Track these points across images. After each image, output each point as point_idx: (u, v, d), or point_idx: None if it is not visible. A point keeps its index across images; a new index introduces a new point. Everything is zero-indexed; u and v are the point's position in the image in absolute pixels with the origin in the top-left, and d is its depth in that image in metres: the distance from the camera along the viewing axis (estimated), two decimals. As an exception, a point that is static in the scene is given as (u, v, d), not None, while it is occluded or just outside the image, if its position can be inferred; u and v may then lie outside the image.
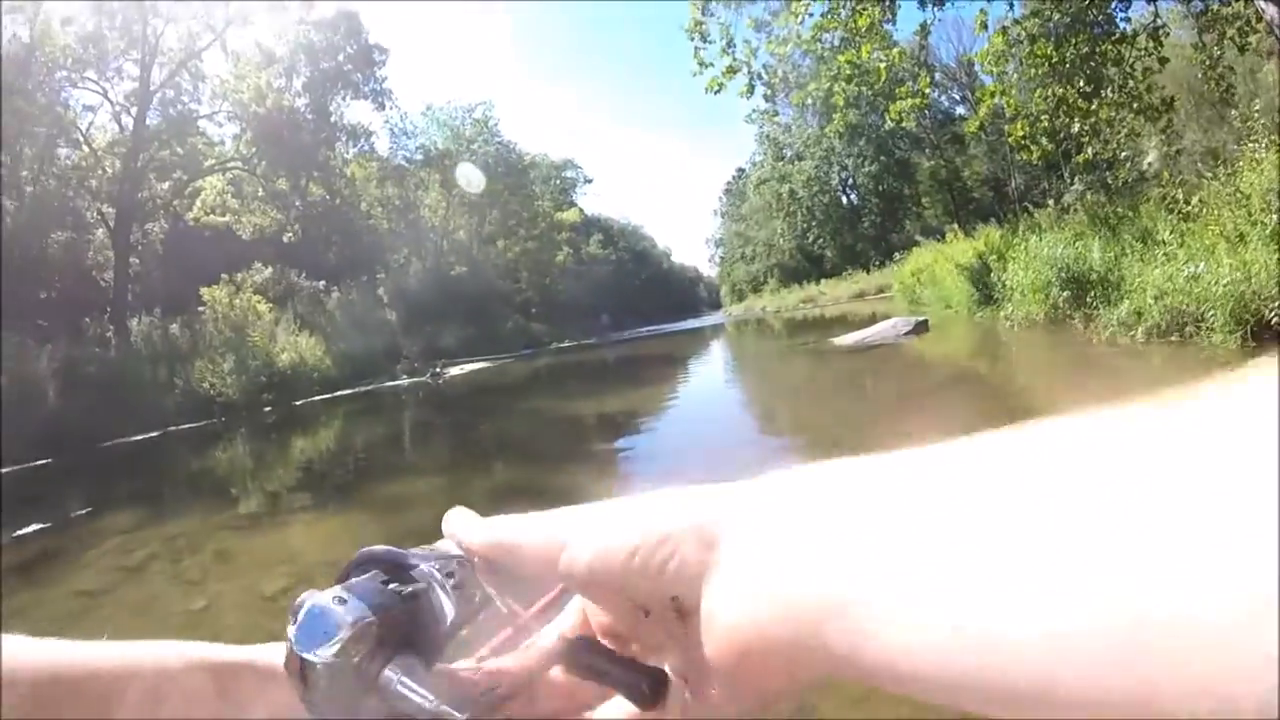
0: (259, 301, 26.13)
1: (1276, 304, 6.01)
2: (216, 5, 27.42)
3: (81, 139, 25.66)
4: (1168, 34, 13.71)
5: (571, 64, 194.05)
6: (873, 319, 17.18)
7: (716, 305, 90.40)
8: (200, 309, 23.96)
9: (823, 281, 49.88)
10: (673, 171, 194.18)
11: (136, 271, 26.86)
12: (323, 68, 33.46)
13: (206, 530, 6.31)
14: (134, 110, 26.48)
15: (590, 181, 70.46)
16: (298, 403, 19.59)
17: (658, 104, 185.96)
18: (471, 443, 10.08)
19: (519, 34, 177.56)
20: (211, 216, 30.93)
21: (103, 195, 25.72)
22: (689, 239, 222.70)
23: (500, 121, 53.82)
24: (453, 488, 7.06)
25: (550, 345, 39.60)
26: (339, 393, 21.21)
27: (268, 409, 18.77)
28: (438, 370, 23.84)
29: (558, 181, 63.64)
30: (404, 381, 23.09)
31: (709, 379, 14.82)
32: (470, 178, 41.02)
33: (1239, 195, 7.22)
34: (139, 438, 15.65)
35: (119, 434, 15.61)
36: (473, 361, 27.43)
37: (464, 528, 0.43)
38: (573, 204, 66.97)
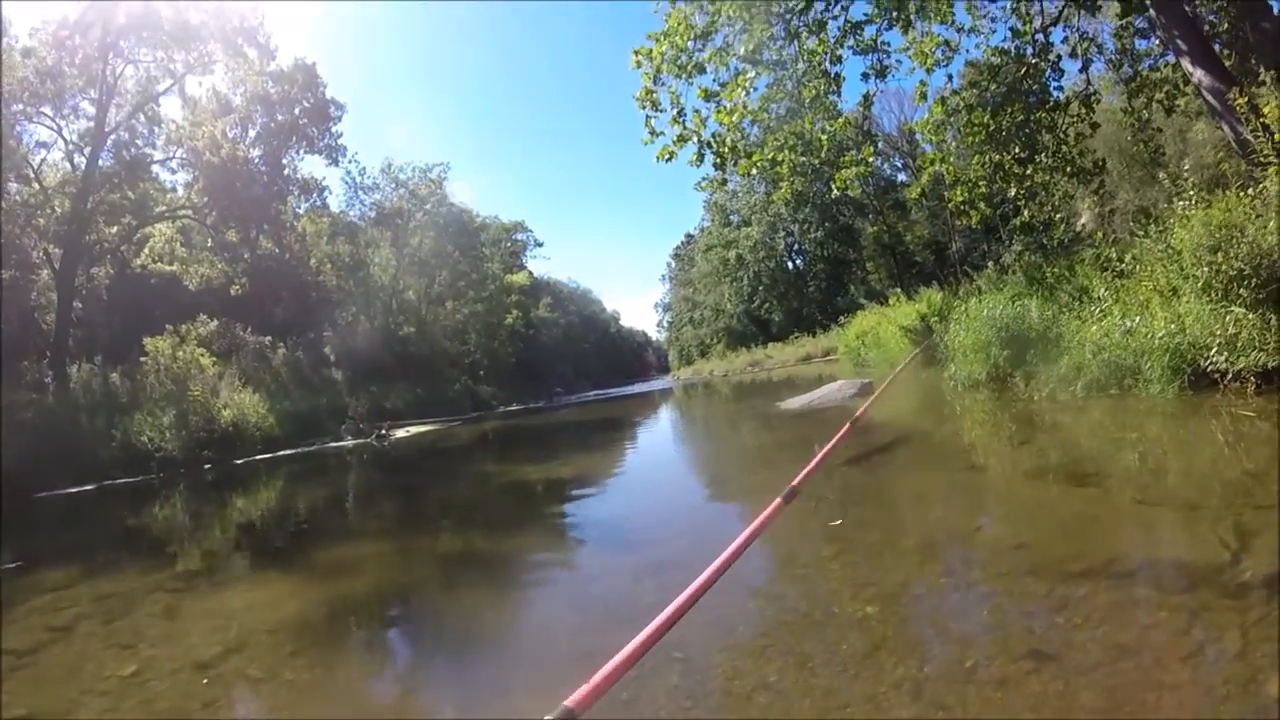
0: (203, 354, 25.56)
1: (1211, 353, 6.05)
2: (177, 50, 27.16)
3: (32, 175, 24.96)
4: (1099, 100, 14.31)
5: (524, 129, 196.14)
6: (819, 381, 17.25)
7: (665, 369, 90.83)
8: (142, 359, 23.25)
9: (769, 345, 50.37)
10: (622, 237, 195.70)
11: (79, 316, 26.14)
12: (278, 119, 32.92)
13: (141, 590, 6.00)
14: (87, 150, 25.91)
15: (540, 245, 70.86)
16: (239, 461, 18.98)
17: (608, 170, 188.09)
18: (418, 507, 9.83)
19: (471, 98, 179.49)
20: (159, 264, 30.34)
21: (50, 235, 24.98)
22: (637, 303, 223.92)
23: (453, 182, 53.41)
24: (398, 554, 6.83)
25: (498, 409, 39.17)
26: (282, 452, 20.70)
27: (208, 466, 18.14)
28: (384, 431, 23.51)
29: (508, 244, 63.69)
30: (349, 442, 22.59)
31: (657, 444, 14.68)
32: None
33: (1171, 251, 7.33)
34: (74, 490, 15.09)
35: (54, 485, 15.06)
36: (419, 423, 26.98)
37: None
38: (522, 267, 67.05)
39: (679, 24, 12.75)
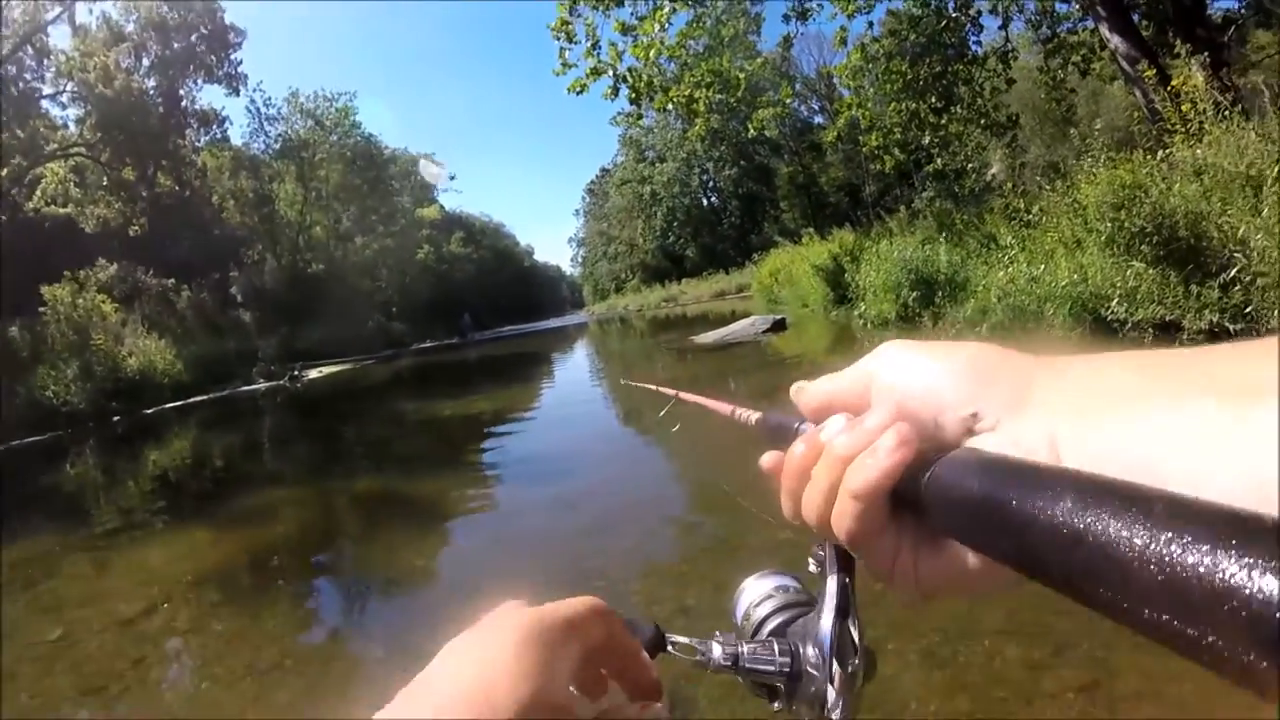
0: (104, 301, 24.20)
1: (1112, 304, 6.37)
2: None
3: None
4: (1016, 58, 14.66)
5: (434, 60, 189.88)
6: (732, 317, 17.47)
7: (579, 304, 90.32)
8: (41, 309, 21.89)
9: (684, 281, 50.70)
10: (535, 170, 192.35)
11: (-29, 266, 24.38)
12: (174, 48, 30.97)
13: (60, 552, 5.91)
14: (-30, 88, 23.83)
15: (453, 178, 68.88)
16: (148, 411, 18.44)
17: (520, 102, 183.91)
18: (334, 450, 9.72)
19: (379, 27, 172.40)
20: (52, 207, 28.24)
21: (-64, 179, 22.95)
22: (551, 237, 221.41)
23: (360, 113, 50.94)
24: (317, 498, 6.78)
25: (412, 346, 38.59)
26: (192, 399, 20.17)
27: (116, 418, 17.60)
28: (296, 373, 23.03)
29: (418, 177, 61.88)
30: (261, 385, 22.14)
31: (574, 380, 14.73)
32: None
33: (1077, 206, 7.65)
34: (-21, 454, 14.33)
35: (-46, 449, 14.23)
36: (332, 364, 26.48)
37: (797, 395, 0.49)
38: (433, 201, 65.36)
39: (600, -48, 12.45)
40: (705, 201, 57.48)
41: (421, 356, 29.95)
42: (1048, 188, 9.04)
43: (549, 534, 4.52)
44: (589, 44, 13.01)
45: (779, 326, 14.42)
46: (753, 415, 0.61)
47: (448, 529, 5.13)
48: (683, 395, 0.93)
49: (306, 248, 41.70)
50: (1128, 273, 6.30)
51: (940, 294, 10.03)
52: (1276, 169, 5.28)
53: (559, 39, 12.97)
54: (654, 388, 1.20)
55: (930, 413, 0.39)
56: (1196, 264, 5.77)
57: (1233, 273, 5.46)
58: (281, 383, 21.64)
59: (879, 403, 0.42)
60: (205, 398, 20.31)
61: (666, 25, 12.93)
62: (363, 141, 44.44)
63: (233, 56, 33.59)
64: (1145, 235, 6.13)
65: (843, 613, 0.51)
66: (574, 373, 15.96)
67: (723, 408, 0.69)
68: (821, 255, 17.47)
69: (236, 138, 39.08)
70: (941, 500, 0.34)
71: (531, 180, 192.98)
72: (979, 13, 14.13)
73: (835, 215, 37.17)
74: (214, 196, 35.70)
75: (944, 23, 13.87)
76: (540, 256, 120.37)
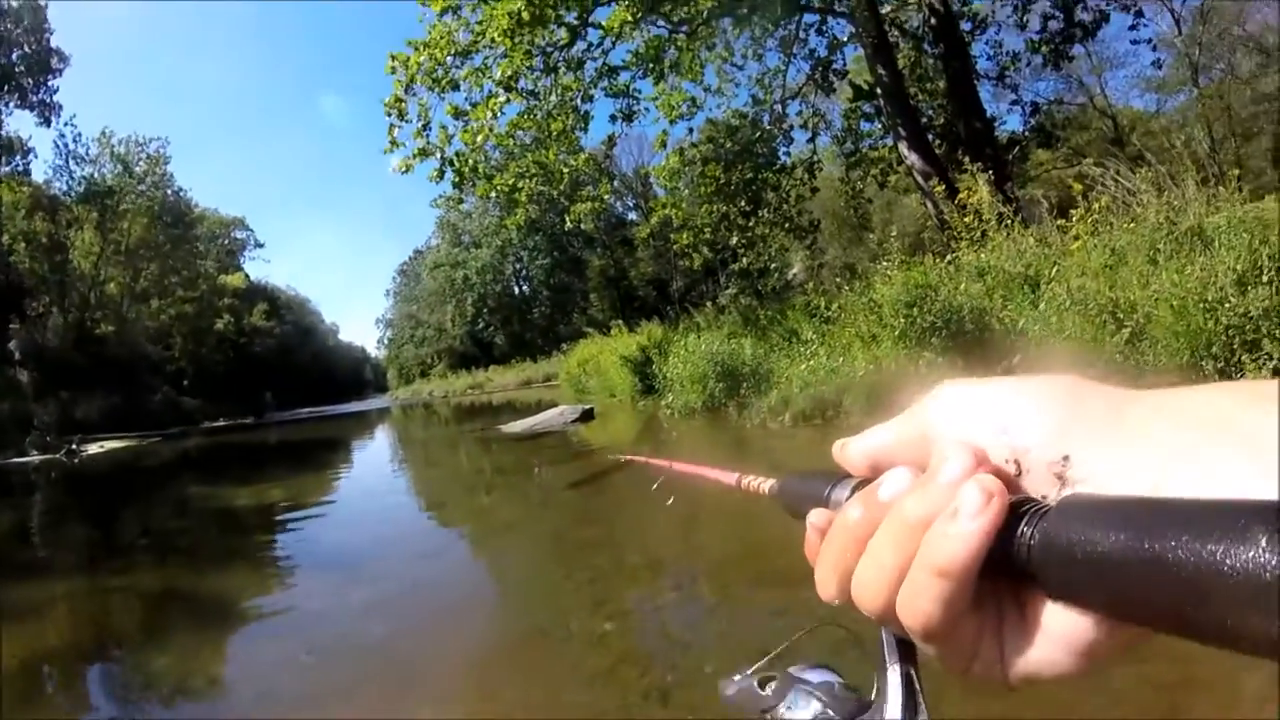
0: None
1: (905, 392, 6.74)
2: None
3: None
4: (821, 168, 15.92)
5: (253, 120, 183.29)
6: (538, 406, 17.34)
7: (383, 388, 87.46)
8: None
9: (491, 368, 50.22)
10: (347, 243, 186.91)
11: None
12: None
13: None
14: None
15: (261, 246, 65.64)
16: None
17: (340, 172, 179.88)
18: (114, 537, 8.61)
19: (200, 88, 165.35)
20: None
21: None
22: (357, 316, 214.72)
23: (172, 162, 47.28)
24: (93, 593, 5.89)
25: (203, 424, 35.63)
26: (-48, 470, 17.59)
27: None
28: (74, 447, 20.75)
29: (225, 241, 58.51)
30: (34, 458, 19.71)
31: (375, 468, 13.99)
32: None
33: (872, 304, 8.14)
34: None
35: None
36: (115, 438, 24.00)
37: (840, 453, 0.42)
38: (239, 268, 62.01)
39: (442, 37, 12.47)
40: (517, 289, 57.78)
41: (214, 436, 27.70)
42: (846, 287, 9.60)
43: (357, 638, 4.08)
44: (420, 124, 12.96)
45: (587, 416, 14.37)
46: (765, 483, 0.53)
47: (245, 633, 4.53)
48: (676, 466, 0.84)
49: (98, 305, 37.46)
50: (920, 362, 6.71)
51: (745, 385, 10.32)
52: (1052, 268, 5.83)
53: (390, 115, 12.80)
54: (645, 461, 1.10)
55: (1010, 456, 0.33)
56: (982, 353, 6.22)
57: (1015, 359, 5.92)
58: (58, 456, 19.31)
59: (947, 451, 0.34)
60: (-32, 469, 17.67)
61: (499, 114, 13.02)
62: (172, 196, 40.99)
63: (51, 83, 30.83)
64: (936, 329, 6.57)
65: (911, 714, 0.42)
66: (376, 462, 15.21)
67: (726, 477, 0.59)
68: (630, 347, 17.72)
69: (39, 174, 35.08)
70: (1062, 560, 0.28)
71: (342, 254, 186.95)
72: (791, 126, 15.31)
73: (643, 308, 38.19)
74: (4, 235, 31.52)
75: (758, 133, 14.83)
76: (345, 335, 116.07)
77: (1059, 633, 0.30)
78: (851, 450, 0.40)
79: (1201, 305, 4.95)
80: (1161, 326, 5.13)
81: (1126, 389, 0.32)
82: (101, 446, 22.01)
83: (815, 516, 0.40)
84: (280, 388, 60.74)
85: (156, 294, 42.75)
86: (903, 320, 7.14)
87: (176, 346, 46.05)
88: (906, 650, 0.42)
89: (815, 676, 0.56)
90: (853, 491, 0.39)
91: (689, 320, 16.82)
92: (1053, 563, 0.28)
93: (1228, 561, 0.22)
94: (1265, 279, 4.82)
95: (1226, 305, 4.83)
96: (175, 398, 39.88)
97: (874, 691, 0.43)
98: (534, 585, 4.26)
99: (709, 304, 19.33)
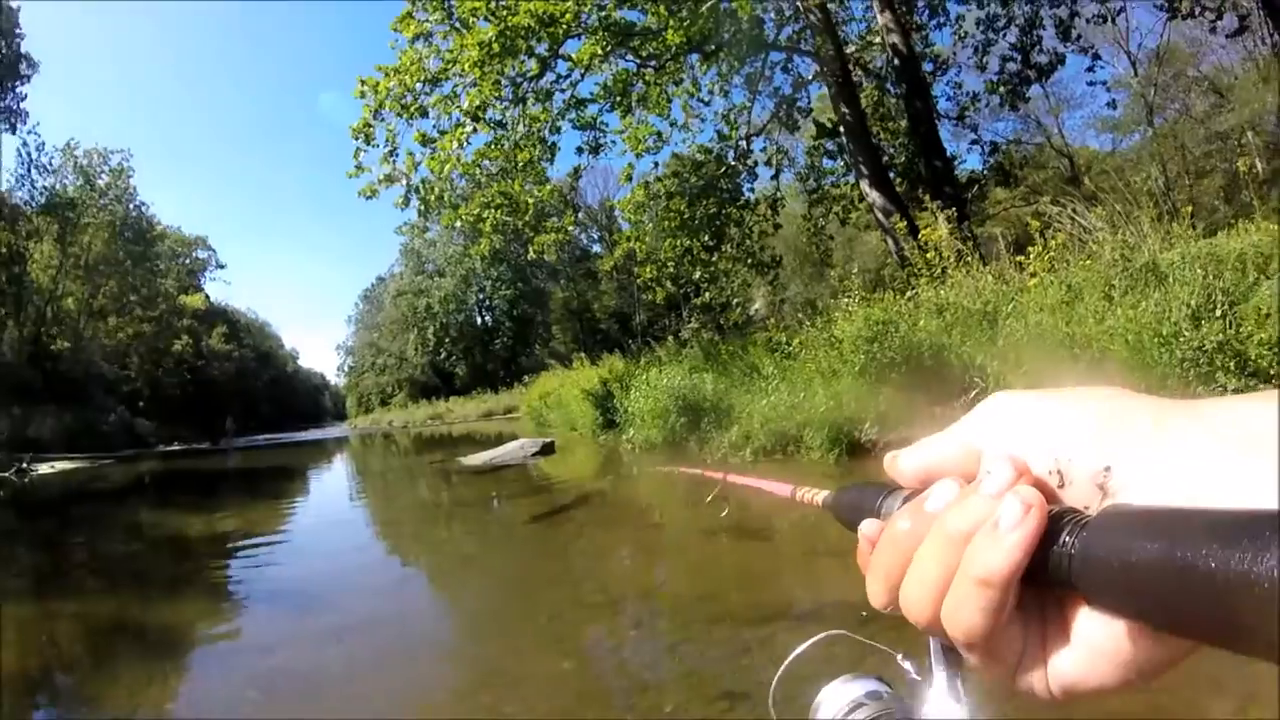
0: None
1: (865, 426, 6.78)
2: None
3: None
4: (784, 205, 16.13)
5: (216, 139, 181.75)
6: (498, 439, 17.20)
7: (342, 416, 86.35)
8: None
9: (452, 399, 49.87)
10: (309, 267, 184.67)
11: None
12: None
13: None
14: None
15: (223, 267, 64.64)
16: None
17: (303, 193, 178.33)
18: (63, 563, 8.33)
19: (163, 100, 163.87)
20: None
21: None
22: (317, 341, 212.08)
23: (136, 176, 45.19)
24: (40, 620, 5.67)
25: (158, 447, 34.72)
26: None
27: None
28: (25, 465, 20.11)
29: (187, 260, 57.42)
30: None
31: (333, 499, 13.74)
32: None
33: (833, 340, 8.20)
34: None
35: None
36: (67, 459, 23.28)
37: (891, 466, 0.43)
38: (199, 288, 60.86)
39: (412, 63, 12.46)
40: (480, 320, 57.44)
41: (169, 460, 27.01)
42: (807, 323, 9.66)
43: (308, 676, 3.96)
44: (387, 150, 12.90)
45: (548, 450, 14.27)
46: (819, 494, 0.53)
47: (197, 663, 4.37)
48: (731, 477, 0.85)
49: (54, 320, 36.45)
50: (879, 398, 6.75)
51: (706, 420, 10.31)
52: (1009, 305, 5.92)
53: (358, 140, 12.72)
54: (700, 472, 1.12)
55: (1054, 466, 0.34)
56: (941, 388, 6.27)
57: (973, 394, 5.98)
58: (9, 474, 18.66)
59: (990, 463, 0.36)
60: (-88, 488, 16.98)
61: (466, 143, 13.01)
62: (135, 211, 40.09)
63: (19, 89, 30.21)
64: (895, 365, 6.63)
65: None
66: (334, 492, 14.95)
67: (781, 489, 0.61)
68: (592, 380, 17.68)
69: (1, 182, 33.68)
70: (1100, 569, 0.29)
71: (305, 278, 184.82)
72: (755, 163, 15.51)
73: (606, 341, 38.23)
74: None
75: (723, 169, 14.98)
76: (305, 361, 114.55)
77: (1100, 644, 0.30)
78: (902, 463, 0.41)
79: (1157, 339, 5.05)
80: (1118, 360, 5.23)
81: (1171, 399, 0.32)
82: (53, 467, 21.42)
83: (866, 527, 0.41)
84: (237, 413, 59.68)
85: (115, 311, 41.81)
86: (863, 356, 7.20)
87: (133, 366, 44.91)
88: (954, 659, 0.43)
89: (862, 686, 0.59)
90: (903, 503, 0.40)
91: (651, 354, 16.84)
92: (1091, 572, 0.29)
93: (1254, 570, 0.22)
94: (1219, 313, 4.94)
95: (1181, 339, 4.94)
96: (130, 419, 38.63)
97: (920, 699, 0.45)
98: (492, 622, 4.19)
99: (671, 338, 19.41)
